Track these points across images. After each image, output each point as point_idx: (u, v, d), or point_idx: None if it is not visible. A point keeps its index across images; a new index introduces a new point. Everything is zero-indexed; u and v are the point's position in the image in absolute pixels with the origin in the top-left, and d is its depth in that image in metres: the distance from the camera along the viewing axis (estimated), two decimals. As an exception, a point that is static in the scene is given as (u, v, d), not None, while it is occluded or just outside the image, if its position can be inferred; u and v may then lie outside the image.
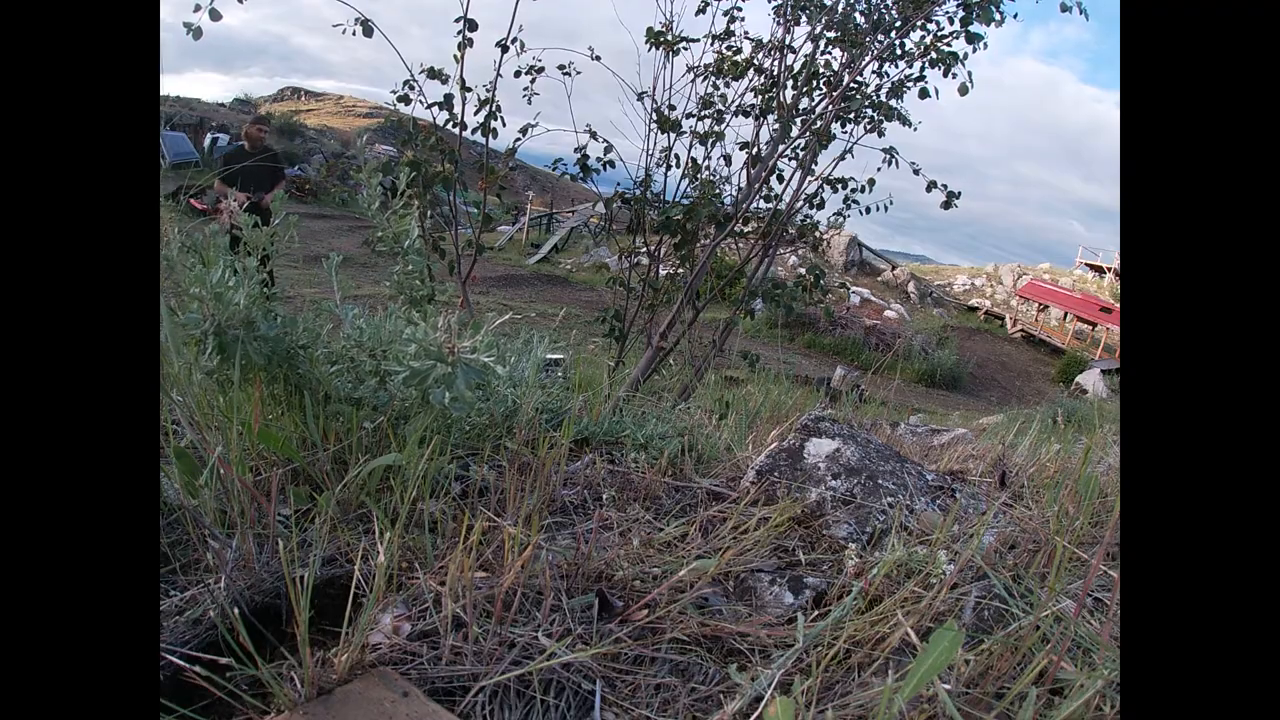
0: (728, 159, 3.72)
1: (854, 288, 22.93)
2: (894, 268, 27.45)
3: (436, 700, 0.89)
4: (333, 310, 1.47)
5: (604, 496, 1.50)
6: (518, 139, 3.39)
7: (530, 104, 3.42)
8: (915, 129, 3.56)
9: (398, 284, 1.82)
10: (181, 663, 0.84)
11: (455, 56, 3.04)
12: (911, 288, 26.30)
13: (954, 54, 3.26)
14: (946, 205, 3.57)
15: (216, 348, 1.24)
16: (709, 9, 3.62)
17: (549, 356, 2.43)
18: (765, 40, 3.60)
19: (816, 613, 1.18)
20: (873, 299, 23.57)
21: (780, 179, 3.62)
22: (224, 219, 1.35)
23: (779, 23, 3.56)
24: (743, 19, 3.64)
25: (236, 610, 0.87)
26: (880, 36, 3.43)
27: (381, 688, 0.88)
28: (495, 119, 3.26)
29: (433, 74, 3.12)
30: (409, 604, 1.07)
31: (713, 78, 3.63)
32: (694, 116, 3.64)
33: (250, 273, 1.29)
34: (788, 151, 3.54)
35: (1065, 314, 25.86)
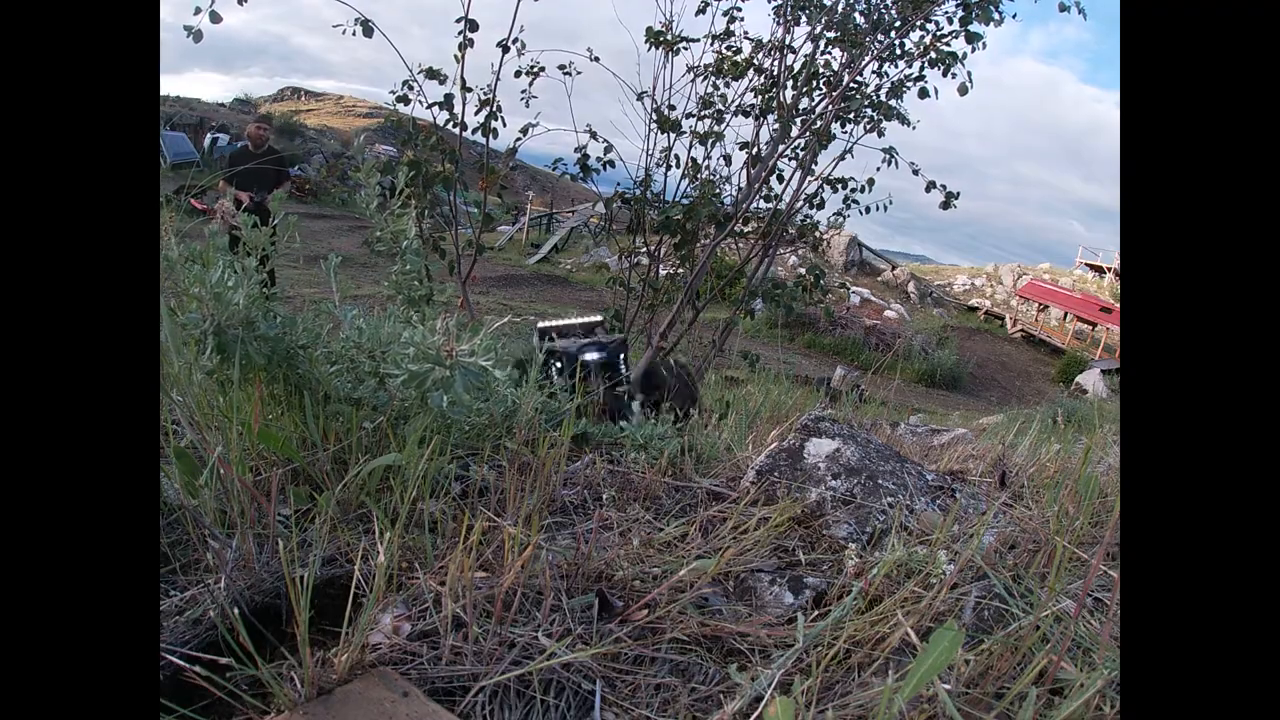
0: (728, 159, 3.71)
1: (854, 288, 22.93)
2: (894, 268, 27.45)
3: (436, 700, 0.89)
4: (332, 311, 1.47)
5: (604, 496, 1.50)
6: (518, 139, 3.38)
7: (529, 105, 3.41)
8: (915, 129, 3.56)
9: (395, 284, 1.82)
10: (181, 663, 0.85)
11: (456, 56, 3.04)
12: (911, 288, 26.31)
13: (953, 54, 3.25)
14: (945, 205, 3.57)
15: (216, 348, 1.24)
16: (709, 9, 3.62)
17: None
18: (765, 40, 3.60)
19: (816, 613, 1.18)
20: (873, 299, 23.57)
21: (780, 179, 3.62)
22: (218, 218, 1.35)
23: (779, 23, 3.56)
24: (742, 19, 3.64)
25: (236, 610, 0.87)
26: (880, 36, 3.43)
27: (381, 688, 0.88)
28: (496, 119, 3.26)
29: (431, 74, 3.12)
30: (409, 604, 1.07)
31: (713, 78, 3.63)
32: (694, 116, 3.63)
33: (249, 273, 1.29)
34: (788, 151, 3.54)
35: (1065, 314, 25.87)
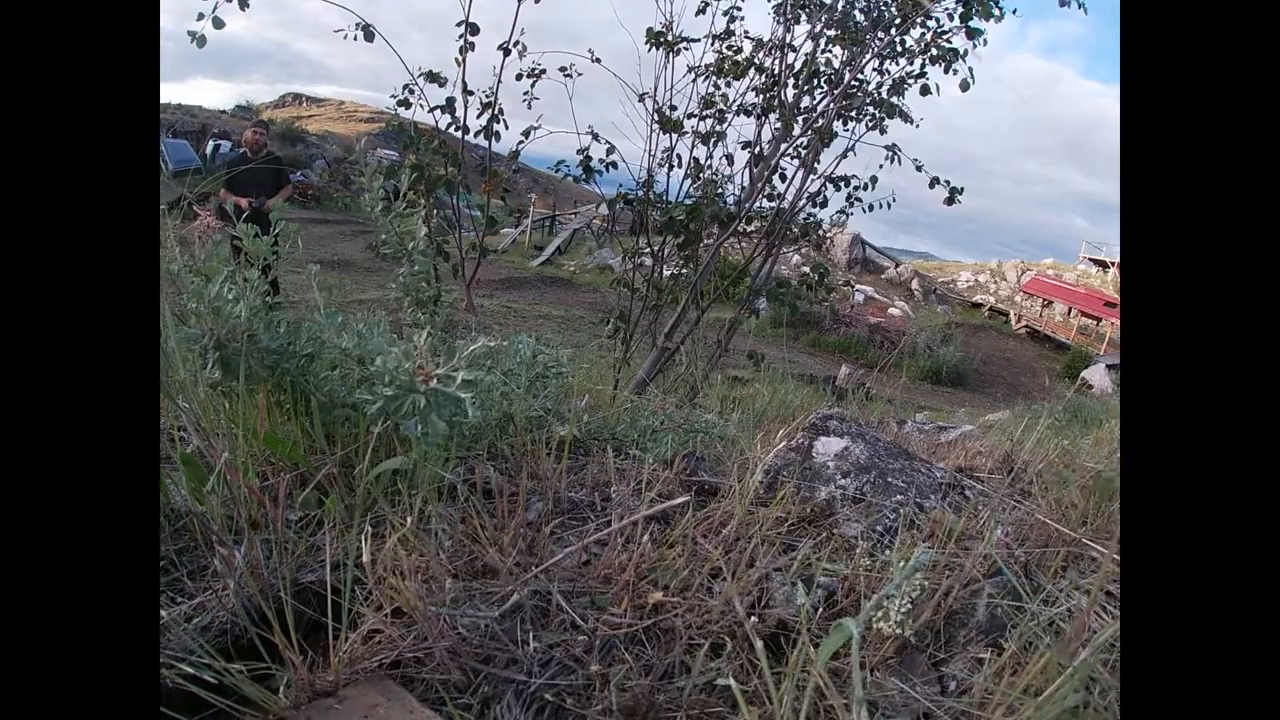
0: (730, 159, 3.71)
1: (858, 285, 22.90)
2: (897, 265, 27.41)
3: (434, 708, 0.89)
4: (321, 321, 1.44)
5: (612, 496, 1.50)
6: (520, 142, 3.39)
7: (531, 108, 3.41)
8: (917, 126, 3.55)
9: (403, 286, 1.82)
10: (186, 668, 0.84)
11: (456, 60, 3.04)
12: (915, 285, 26.25)
13: (954, 50, 3.25)
14: (949, 201, 3.55)
15: (219, 361, 1.23)
16: (709, 9, 3.62)
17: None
18: (766, 39, 3.60)
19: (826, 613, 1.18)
20: (877, 296, 23.54)
21: (783, 178, 3.61)
22: (206, 222, 1.35)
23: (779, 21, 3.55)
24: (743, 18, 3.63)
25: (243, 617, 0.87)
26: (880, 34, 3.42)
27: (377, 694, 0.88)
28: (498, 122, 3.26)
29: (432, 77, 3.12)
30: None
31: (714, 77, 3.62)
32: (695, 116, 3.63)
33: (252, 284, 1.28)
34: (790, 150, 3.54)
35: (1070, 309, 25.78)
